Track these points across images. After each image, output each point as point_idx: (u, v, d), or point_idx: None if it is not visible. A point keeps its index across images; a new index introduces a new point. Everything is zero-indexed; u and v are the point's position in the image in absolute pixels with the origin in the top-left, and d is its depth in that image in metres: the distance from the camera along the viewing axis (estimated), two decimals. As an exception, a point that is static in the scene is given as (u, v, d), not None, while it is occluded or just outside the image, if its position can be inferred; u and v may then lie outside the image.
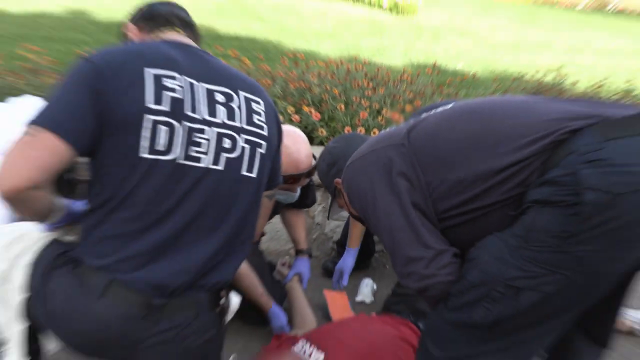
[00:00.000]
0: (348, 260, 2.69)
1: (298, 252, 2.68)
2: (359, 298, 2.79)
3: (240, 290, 2.16)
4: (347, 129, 3.65)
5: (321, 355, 1.91)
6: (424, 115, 1.47)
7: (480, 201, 1.27)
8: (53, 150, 1.13)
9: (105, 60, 1.21)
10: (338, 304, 2.60)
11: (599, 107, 1.25)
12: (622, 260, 1.19)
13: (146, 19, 1.49)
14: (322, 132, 3.67)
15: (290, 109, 3.65)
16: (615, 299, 1.45)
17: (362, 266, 2.96)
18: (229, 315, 1.50)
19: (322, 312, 2.60)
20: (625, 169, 1.10)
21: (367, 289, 2.84)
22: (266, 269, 2.53)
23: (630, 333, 2.63)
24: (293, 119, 3.59)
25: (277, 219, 2.88)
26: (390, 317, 2.26)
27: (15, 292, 1.40)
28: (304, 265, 2.60)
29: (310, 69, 4.57)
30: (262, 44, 7.99)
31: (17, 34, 7.05)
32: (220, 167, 1.30)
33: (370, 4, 14.01)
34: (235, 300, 1.53)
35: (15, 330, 1.45)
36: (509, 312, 1.22)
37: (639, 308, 2.68)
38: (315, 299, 2.65)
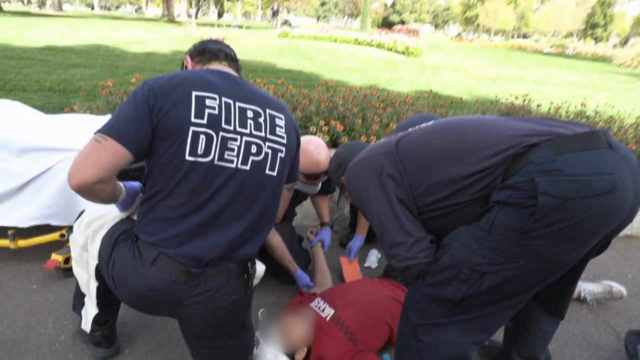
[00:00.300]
0: (356, 243, 2.58)
1: (322, 225, 2.59)
2: (366, 264, 2.69)
3: (274, 258, 2.18)
4: (363, 138, 3.57)
5: (332, 311, 1.85)
6: (410, 129, 1.37)
7: (453, 199, 1.18)
8: (115, 153, 1.09)
9: (158, 84, 1.16)
10: (350, 268, 2.49)
11: (554, 126, 1.15)
12: (571, 253, 1.10)
13: (198, 52, 1.43)
14: (344, 139, 3.57)
15: (321, 122, 3.60)
16: (570, 279, 1.35)
17: (371, 240, 2.82)
18: (255, 281, 1.42)
19: (338, 274, 2.50)
20: (574, 178, 1.02)
21: (373, 257, 2.74)
22: (296, 241, 2.45)
23: (580, 299, 2.49)
24: (323, 129, 3.53)
25: (308, 202, 2.83)
26: (387, 281, 2.19)
27: (92, 258, 1.37)
28: (326, 235, 2.51)
29: (337, 93, 4.52)
30: (307, 75, 8.03)
31: (133, 66, 7.17)
32: (247, 168, 1.23)
33: (389, 48, 14.09)
34: (260, 268, 1.44)
35: (92, 287, 1.41)
36: (474, 291, 1.14)
37: (586, 280, 2.60)
38: (333, 264, 2.55)
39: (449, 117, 1.35)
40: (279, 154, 1.30)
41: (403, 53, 13.60)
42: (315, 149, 2.13)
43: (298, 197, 2.48)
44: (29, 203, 2.07)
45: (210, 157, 1.16)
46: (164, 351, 1.83)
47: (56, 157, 2.07)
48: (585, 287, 2.47)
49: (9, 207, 2.08)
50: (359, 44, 14.58)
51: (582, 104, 5.66)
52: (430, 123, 1.33)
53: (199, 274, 1.20)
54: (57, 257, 2.14)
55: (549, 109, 5.25)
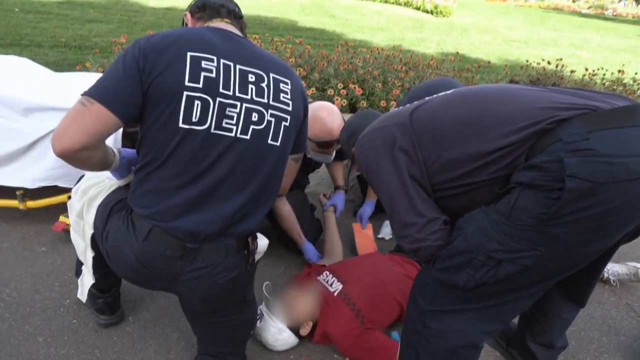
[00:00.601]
0: (366, 208, 2.52)
1: (336, 188, 2.51)
2: (380, 235, 2.62)
3: (283, 229, 2.13)
4: (383, 103, 3.42)
5: (340, 286, 1.80)
6: (427, 98, 1.25)
7: (471, 178, 1.08)
8: (102, 119, 1.01)
9: (150, 43, 1.06)
10: (363, 236, 2.44)
11: (588, 98, 1.03)
12: (597, 242, 1.01)
13: (199, 8, 1.32)
14: (363, 103, 3.45)
15: (340, 85, 3.45)
16: (595, 267, 1.25)
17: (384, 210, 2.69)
18: (258, 256, 1.36)
19: (349, 245, 2.44)
20: (608, 160, 0.90)
21: (387, 228, 2.66)
22: (308, 211, 2.36)
23: (605, 281, 2.37)
24: (341, 93, 3.39)
25: (322, 168, 2.77)
26: (399, 256, 2.11)
27: (88, 227, 1.33)
28: (339, 199, 2.43)
29: (358, 55, 4.33)
30: (329, 34, 7.73)
31: (151, 22, 7.04)
32: (247, 137, 1.15)
33: (416, 6, 13.46)
34: (262, 243, 1.37)
35: (89, 256, 1.38)
36: (488, 279, 1.07)
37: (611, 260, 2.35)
38: (346, 235, 2.49)
39: (470, 86, 1.24)
40: (283, 123, 1.23)
41: (431, 12, 13.02)
42: (329, 116, 2.03)
43: (311, 165, 2.41)
44: (36, 164, 2.04)
45: (207, 125, 1.09)
46: (168, 319, 1.82)
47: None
48: (610, 267, 2.34)
49: (15, 168, 2.05)
50: (385, 1, 14.05)
51: (619, 71, 5.32)
52: (450, 92, 1.22)
53: (195, 249, 1.15)
54: (65, 219, 2.14)
55: (584, 75, 4.98)
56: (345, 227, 2.61)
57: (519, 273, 1.03)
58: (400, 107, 1.32)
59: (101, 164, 1.15)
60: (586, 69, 5.13)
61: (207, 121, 1.09)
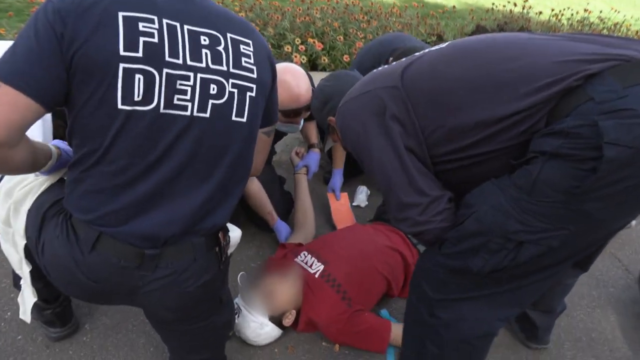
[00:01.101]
0: (336, 180, 2.43)
1: (310, 147, 2.42)
2: (355, 203, 2.54)
3: (251, 207, 2.06)
4: (346, 57, 3.26)
5: (321, 266, 1.74)
6: (417, 54, 1.13)
7: (478, 148, 0.99)
8: (15, 106, 0.82)
9: (67, 2, 0.87)
10: (339, 208, 2.38)
11: (614, 47, 0.91)
12: (629, 215, 0.93)
13: None
14: (325, 59, 3.29)
15: (297, 40, 3.25)
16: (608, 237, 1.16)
17: (357, 173, 2.66)
18: (231, 249, 1.26)
19: (326, 217, 2.37)
20: None
21: (362, 195, 2.58)
22: (277, 185, 2.28)
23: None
24: (299, 49, 3.20)
25: (286, 135, 2.61)
26: (382, 225, 2.05)
27: (19, 236, 1.15)
28: (313, 159, 2.33)
29: (315, 5, 4.09)
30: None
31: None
32: (206, 115, 1.02)
33: None
34: (235, 234, 1.27)
35: (25, 271, 1.21)
36: (507, 263, 0.98)
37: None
38: (320, 203, 2.43)
39: (469, 38, 1.11)
40: (248, 93, 1.10)
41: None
42: (294, 79, 1.90)
43: (277, 136, 2.30)
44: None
45: (154, 104, 0.95)
46: (131, 323, 1.68)
47: None
48: None
49: None
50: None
51: (585, 10, 5.35)
52: (444, 45, 1.10)
53: (156, 256, 1.03)
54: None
55: (549, 16, 4.95)
56: (317, 195, 2.54)
57: (543, 255, 0.95)
58: (386, 67, 1.19)
59: (27, 166, 0.97)
60: (552, 10, 5.11)
61: (153, 99, 0.95)
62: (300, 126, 2.11)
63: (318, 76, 2.16)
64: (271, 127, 1.31)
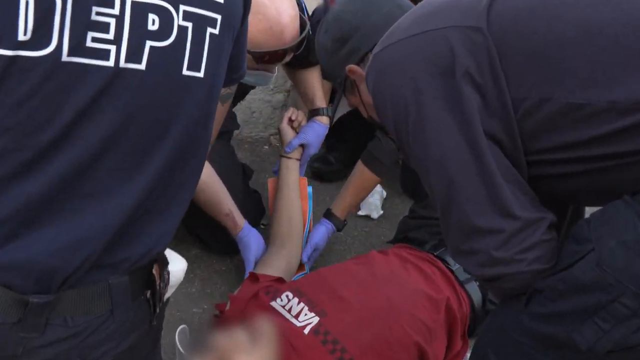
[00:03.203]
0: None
1: (312, 113, 2.44)
2: (362, 212, 2.59)
3: (200, 207, 2.09)
4: None
5: (314, 318, 1.75)
6: None
7: (614, 146, 1.02)
8: None
9: None
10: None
11: None
12: None
13: None
14: None
15: None
16: None
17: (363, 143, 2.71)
18: (170, 291, 1.28)
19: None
20: None
21: (372, 198, 2.61)
22: (238, 177, 2.36)
23: None
24: None
25: (251, 96, 2.77)
26: (409, 251, 2.07)
27: None
28: (315, 134, 2.37)
29: None
30: None
31: None
32: (140, 66, 1.04)
33: None
34: (178, 268, 1.32)
35: None
36: (637, 341, 1.02)
37: None
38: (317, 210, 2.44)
39: None
40: (209, 30, 1.12)
41: None
42: (271, 2, 1.91)
43: (238, 93, 2.31)
44: None
45: (52, 48, 0.96)
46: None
47: None
48: None
49: None
50: None
51: None
52: None
53: (47, 305, 1.02)
54: None
55: None
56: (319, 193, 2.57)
57: None
58: None
59: None
60: None
61: (51, 39, 0.95)
62: (272, 78, 2.14)
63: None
64: (230, 89, 1.37)
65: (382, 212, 2.58)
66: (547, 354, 1.11)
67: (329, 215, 2.33)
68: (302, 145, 2.34)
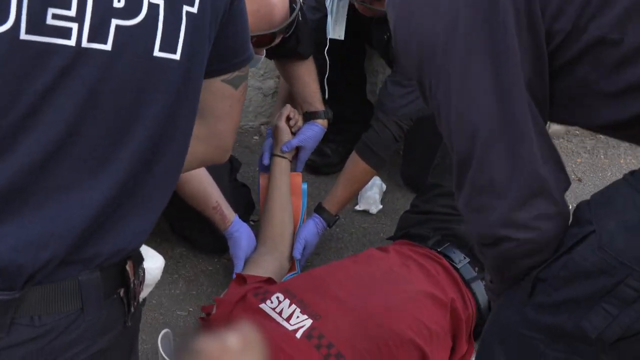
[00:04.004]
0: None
1: (308, 116, 2.43)
2: (360, 206, 2.59)
3: (185, 200, 2.08)
4: None
5: (308, 320, 1.77)
6: None
7: None
8: None
9: None
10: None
11: None
12: None
13: None
14: None
15: None
16: None
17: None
18: (146, 291, 1.28)
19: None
20: None
21: (371, 191, 2.61)
22: (225, 168, 2.34)
23: None
24: None
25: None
26: (411, 247, 2.09)
27: None
28: (314, 136, 2.38)
29: None
30: None
31: None
32: (106, 47, 1.03)
33: None
34: (154, 265, 1.30)
35: None
36: None
37: None
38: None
39: None
40: (185, 8, 1.11)
41: None
42: None
43: None
44: None
45: (9, 24, 0.95)
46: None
47: None
48: None
49: None
50: None
51: None
52: None
53: (12, 303, 1.02)
54: None
55: None
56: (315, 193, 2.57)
57: None
58: None
59: None
60: None
61: (8, 16, 0.94)
62: (262, 58, 2.13)
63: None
64: (241, 71, 1.33)
65: (381, 206, 2.58)
66: (555, 348, 1.11)
67: (319, 209, 2.34)
68: (298, 147, 2.36)
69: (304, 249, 2.28)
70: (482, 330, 1.29)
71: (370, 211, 2.57)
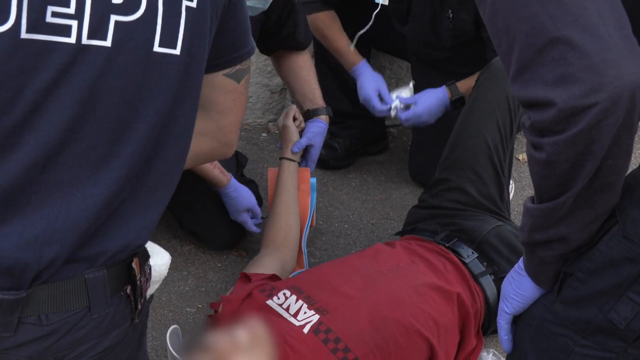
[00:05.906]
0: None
1: (310, 114, 2.40)
2: (392, 104, 2.47)
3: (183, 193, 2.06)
4: None
5: (315, 316, 1.76)
6: None
7: None
8: None
9: None
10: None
11: None
12: None
13: None
14: None
15: None
16: None
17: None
18: (153, 287, 1.27)
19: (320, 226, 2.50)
20: None
21: (403, 91, 2.52)
22: (231, 164, 2.37)
23: None
24: None
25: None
26: (417, 242, 2.11)
27: None
28: (321, 134, 2.35)
29: None
30: None
31: None
32: (106, 43, 1.04)
33: None
34: (161, 262, 1.29)
35: None
36: None
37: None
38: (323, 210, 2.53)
39: None
40: (184, 3, 1.12)
41: None
42: None
43: None
44: None
45: (10, 24, 0.96)
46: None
47: None
48: None
49: None
50: None
51: None
52: None
53: (18, 303, 1.03)
54: None
55: None
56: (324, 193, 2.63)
57: None
58: None
59: None
60: None
61: (8, 15, 0.96)
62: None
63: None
64: (243, 65, 1.32)
65: (415, 99, 2.42)
66: (584, 344, 1.10)
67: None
68: (307, 146, 2.34)
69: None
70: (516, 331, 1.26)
71: (397, 110, 2.44)
